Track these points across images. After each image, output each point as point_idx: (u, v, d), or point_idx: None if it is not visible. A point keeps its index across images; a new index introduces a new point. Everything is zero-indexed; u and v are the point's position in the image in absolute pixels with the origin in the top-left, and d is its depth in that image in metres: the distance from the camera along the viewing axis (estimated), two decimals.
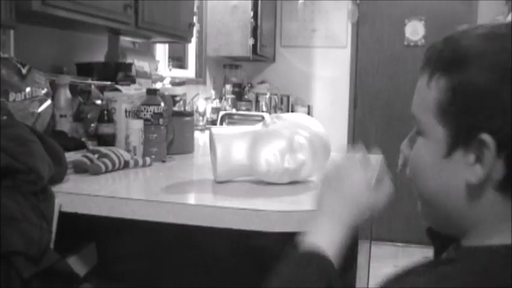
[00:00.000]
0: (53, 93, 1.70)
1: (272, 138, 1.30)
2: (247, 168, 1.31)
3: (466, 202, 0.65)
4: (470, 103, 0.62)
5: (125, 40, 2.65)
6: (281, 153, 1.28)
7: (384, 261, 3.45)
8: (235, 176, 1.35)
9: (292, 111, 4.73)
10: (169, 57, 3.56)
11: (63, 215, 1.15)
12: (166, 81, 2.86)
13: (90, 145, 1.71)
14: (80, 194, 1.20)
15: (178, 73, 3.62)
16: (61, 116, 1.78)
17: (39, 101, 1.59)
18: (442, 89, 0.64)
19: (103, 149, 1.50)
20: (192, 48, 3.99)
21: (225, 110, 3.95)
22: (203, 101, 3.64)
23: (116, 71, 2.23)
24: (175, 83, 2.90)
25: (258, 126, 1.36)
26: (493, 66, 0.61)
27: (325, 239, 0.79)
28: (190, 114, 2.04)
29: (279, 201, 1.22)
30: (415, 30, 4.65)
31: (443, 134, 0.65)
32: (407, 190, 0.86)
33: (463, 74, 0.63)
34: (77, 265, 1.27)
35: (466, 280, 0.59)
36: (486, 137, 0.61)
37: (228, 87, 4.23)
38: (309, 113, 4.86)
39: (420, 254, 3.37)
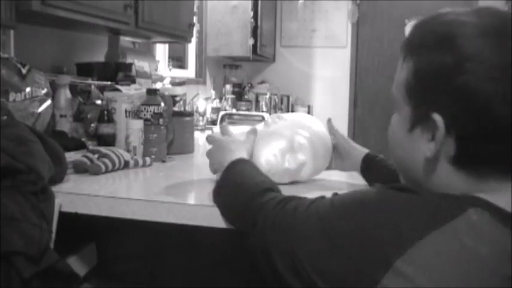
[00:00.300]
0: (53, 93, 1.70)
1: (273, 138, 1.30)
2: None
3: (425, 175, 0.72)
4: (426, 84, 0.69)
5: (125, 40, 2.65)
6: (281, 153, 1.28)
7: None
8: None
9: (292, 111, 4.74)
10: (169, 57, 3.56)
11: (63, 215, 1.15)
12: (166, 81, 2.86)
13: (90, 145, 1.71)
14: (80, 194, 1.20)
15: (178, 73, 3.62)
16: (61, 116, 1.78)
17: (39, 101, 1.59)
18: (409, 70, 0.72)
19: (103, 149, 1.50)
20: (192, 48, 3.99)
21: (225, 110, 3.95)
22: (203, 101, 3.63)
23: (116, 71, 2.23)
24: (175, 83, 2.90)
25: (259, 126, 1.36)
26: (446, 51, 0.67)
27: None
28: (190, 114, 2.04)
29: None
30: None
31: (408, 111, 0.72)
32: None
33: (423, 57, 0.70)
34: (77, 265, 1.27)
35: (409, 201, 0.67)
36: (436, 116, 0.67)
37: (228, 87, 4.23)
38: (309, 113, 4.86)
39: None
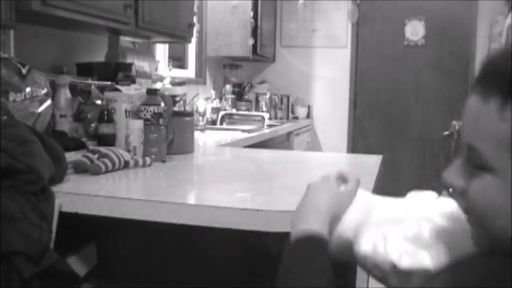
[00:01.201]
0: (53, 93, 1.70)
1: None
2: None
3: None
4: None
5: (125, 40, 2.65)
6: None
7: None
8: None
9: (292, 112, 4.74)
10: (169, 57, 3.56)
11: (63, 215, 1.15)
12: (166, 81, 2.86)
13: (90, 145, 1.71)
14: (80, 194, 1.20)
15: (178, 73, 3.62)
16: (61, 116, 1.78)
17: (39, 101, 1.59)
18: None
19: (103, 149, 1.50)
20: (192, 48, 3.99)
21: (225, 110, 3.95)
22: (203, 101, 3.63)
23: (116, 71, 2.23)
24: (175, 83, 2.90)
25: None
26: None
27: (314, 225, 0.80)
28: (190, 114, 2.04)
29: (279, 201, 1.22)
30: (415, 30, 4.65)
31: None
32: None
33: None
34: (77, 265, 1.27)
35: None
36: None
37: (228, 87, 4.23)
38: (309, 113, 4.86)
39: None
